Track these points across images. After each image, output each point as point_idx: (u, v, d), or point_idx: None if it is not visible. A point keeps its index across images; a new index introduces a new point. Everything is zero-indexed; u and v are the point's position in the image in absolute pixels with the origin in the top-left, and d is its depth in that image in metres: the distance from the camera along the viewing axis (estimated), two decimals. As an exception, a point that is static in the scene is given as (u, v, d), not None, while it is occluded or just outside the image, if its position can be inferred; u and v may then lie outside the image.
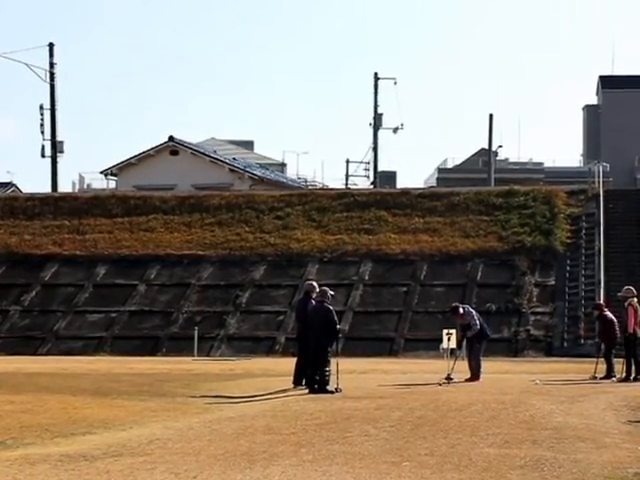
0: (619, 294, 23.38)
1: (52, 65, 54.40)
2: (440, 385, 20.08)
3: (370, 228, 40.56)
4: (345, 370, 21.13)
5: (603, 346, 23.52)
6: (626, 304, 22.31)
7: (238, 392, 18.95)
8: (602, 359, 22.84)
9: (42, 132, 53.92)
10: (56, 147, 54.25)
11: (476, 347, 21.64)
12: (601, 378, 22.12)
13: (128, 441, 12.29)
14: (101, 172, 54.49)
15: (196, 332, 34.64)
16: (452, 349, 21.93)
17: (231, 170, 52.09)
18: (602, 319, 23.21)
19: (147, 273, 39.46)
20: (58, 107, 54.52)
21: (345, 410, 15.39)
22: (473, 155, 78.41)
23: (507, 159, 78.96)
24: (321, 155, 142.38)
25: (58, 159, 54.51)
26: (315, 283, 20.74)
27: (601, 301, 27.49)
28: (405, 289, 36.93)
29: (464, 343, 21.99)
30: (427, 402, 16.42)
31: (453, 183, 55.28)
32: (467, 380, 21.09)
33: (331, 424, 13.72)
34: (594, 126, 75.41)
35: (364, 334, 34.88)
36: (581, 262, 37.41)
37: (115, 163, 53.43)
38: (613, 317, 23.16)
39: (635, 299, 22.32)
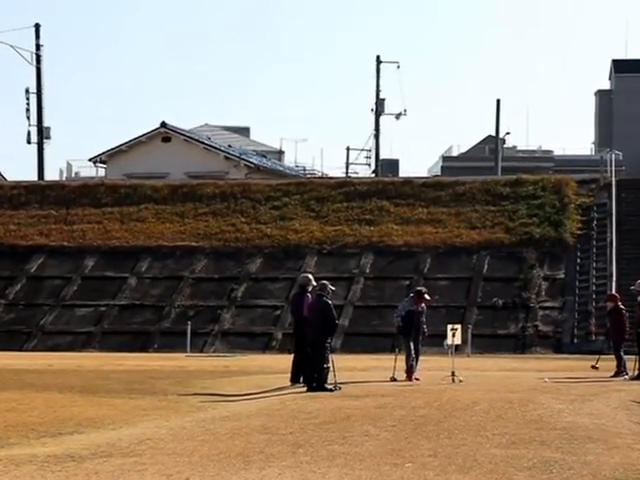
0: (632, 287, 22.96)
1: (38, 47, 54.47)
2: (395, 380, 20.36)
3: (371, 219, 40.33)
4: (345, 367, 21.24)
5: (612, 342, 23.32)
6: (639, 298, 21.86)
7: (233, 390, 18.88)
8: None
9: (28, 117, 54.21)
10: (42, 133, 54.21)
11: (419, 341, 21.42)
12: (611, 376, 21.82)
13: (118, 441, 12.23)
14: (90, 159, 54.34)
15: (189, 327, 34.36)
16: (457, 345, 21.65)
17: (226, 158, 52.00)
18: (618, 312, 22.80)
19: (138, 265, 39.26)
20: (44, 91, 54.85)
21: (345, 409, 15.19)
22: (479, 143, 78.22)
23: (515, 147, 78.79)
24: (320, 142, 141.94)
25: (44, 145, 54.69)
26: (310, 276, 20.37)
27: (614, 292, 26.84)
28: (408, 282, 36.49)
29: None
30: (430, 400, 16.16)
31: (458, 172, 55.16)
32: (409, 378, 20.74)
33: (330, 423, 13.60)
34: (606, 112, 74.84)
35: (365, 329, 34.88)
36: (592, 254, 37.13)
37: (104, 150, 53.38)
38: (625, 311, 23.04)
39: None
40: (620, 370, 21.96)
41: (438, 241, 38.34)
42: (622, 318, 22.49)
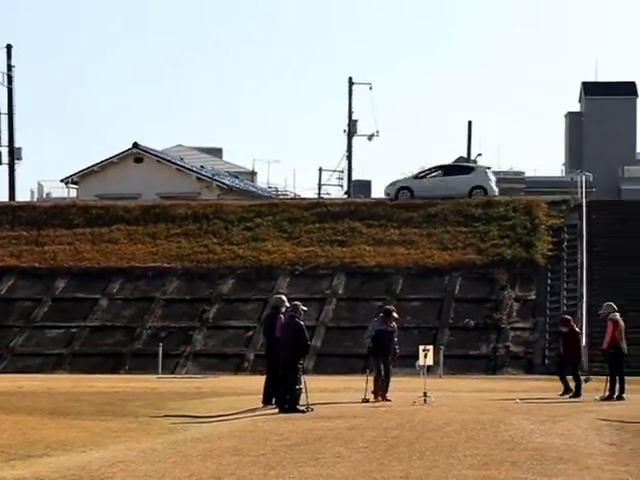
0: (600, 312, 23.34)
1: (10, 67, 54.16)
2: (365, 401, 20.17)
3: (343, 240, 40.19)
4: (317, 388, 21.23)
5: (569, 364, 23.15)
6: (608, 319, 22.28)
7: (204, 412, 18.82)
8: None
9: (-1, 138, 54.11)
10: (14, 154, 53.82)
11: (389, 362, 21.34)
12: (560, 394, 22.18)
13: (88, 464, 12.15)
14: (61, 180, 54.03)
15: (161, 348, 34.04)
16: (429, 366, 21.60)
17: (198, 179, 51.84)
18: (574, 335, 23.04)
19: (109, 287, 38.91)
20: (16, 112, 54.28)
21: (317, 430, 15.19)
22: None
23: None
24: (293, 163, 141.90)
25: (16, 166, 54.23)
26: (284, 297, 20.43)
27: (567, 315, 26.82)
28: (380, 304, 35.83)
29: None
30: (402, 422, 16.15)
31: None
32: (383, 399, 20.55)
33: (302, 445, 13.57)
34: (577, 134, 75.06)
35: (337, 350, 34.62)
36: (563, 275, 37.12)
37: (76, 171, 52.94)
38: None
39: (617, 314, 22.24)
40: (567, 390, 22.21)
41: (410, 262, 38.20)
42: (578, 342, 23.10)
